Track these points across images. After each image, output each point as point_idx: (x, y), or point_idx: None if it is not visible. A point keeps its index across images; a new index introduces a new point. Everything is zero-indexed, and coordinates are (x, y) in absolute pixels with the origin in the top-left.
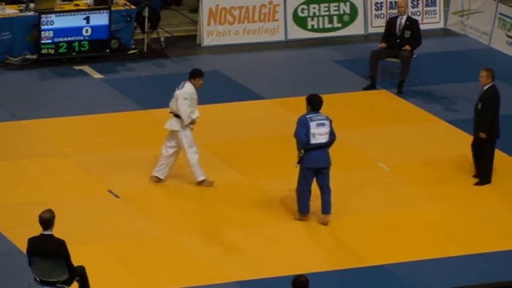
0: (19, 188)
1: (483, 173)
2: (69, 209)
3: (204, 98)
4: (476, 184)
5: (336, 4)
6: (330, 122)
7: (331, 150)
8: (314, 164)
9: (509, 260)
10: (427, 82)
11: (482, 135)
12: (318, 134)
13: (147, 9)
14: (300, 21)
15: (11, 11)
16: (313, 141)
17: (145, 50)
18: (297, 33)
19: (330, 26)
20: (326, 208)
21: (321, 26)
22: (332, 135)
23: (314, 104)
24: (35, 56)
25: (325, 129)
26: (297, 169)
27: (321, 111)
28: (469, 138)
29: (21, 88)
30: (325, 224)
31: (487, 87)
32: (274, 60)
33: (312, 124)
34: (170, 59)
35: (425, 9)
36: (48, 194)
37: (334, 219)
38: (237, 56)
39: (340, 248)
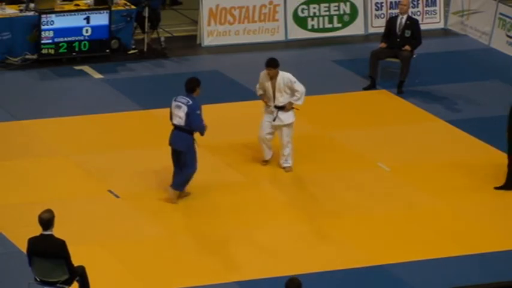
0: (19, 188)
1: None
2: (69, 209)
3: (204, 98)
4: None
5: (336, 4)
6: (188, 107)
7: (331, 149)
8: (170, 142)
9: (509, 260)
10: (427, 82)
11: None
12: (174, 115)
13: (147, 9)
14: (300, 21)
15: (11, 11)
16: (172, 120)
17: (145, 50)
18: (297, 33)
19: (330, 26)
20: (174, 183)
21: (321, 26)
22: (192, 123)
23: (185, 86)
24: (35, 56)
25: (180, 112)
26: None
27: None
28: (469, 138)
29: (21, 88)
30: (169, 195)
31: None
32: None
33: (173, 104)
34: (170, 59)
35: (425, 9)
36: (48, 194)
37: (333, 219)
38: (237, 56)
39: (340, 248)
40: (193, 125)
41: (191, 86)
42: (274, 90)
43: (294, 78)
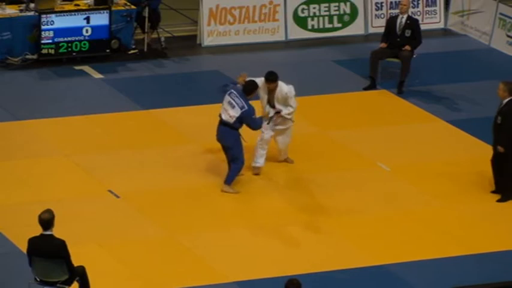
0: (19, 188)
1: (503, 188)
2: (69, 209)
3: (204, 98)
4: (498, 201)
5: (336, 4)
6: (243, 112)
7: (331, 149)
8: (217, 138)
9: (509, 260)
10: (427, 82)
11: (501, 149)
12: (224, 110)
13: (147, 9)
14: (300, 21)
15: (11, 11)
16: (221, 113)
17: (145, 50)
18: (297, 33)
19: (330, 26)
20: (227, 179)
21: (321, 26)
22: (250, 126)
23: (243, 87)
24: (35, 56)
25: (232, 112)
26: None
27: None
28: (469, 138)
29: (21, 88)
30: (222, 190)
31: (506, 100)
32: (274, 60)
33: (226, 98)
34: (170, 59)
35: (425, 9)
36: (48, 194)
37: (334, 219)
38: (237, 56)
39: (340, 248)
40: (252, 127)
41: (250, 88)
42: (272, 100)
43: (292, 93)
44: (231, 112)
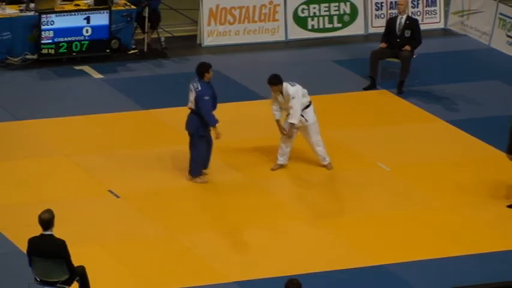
0: (19, 188)
1: None
2: (69, 209)
3: None
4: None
5: (336, 4)
6: (196, 93)
7: (332, 149)
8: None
9: (509, 260)
10: (427, 82)
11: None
12: (189, 97)
13: (147, 9)
14: (300, 21)
15: (11, 11)
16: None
17: (145, 50)
18: (297, 33)
19: (330, 26)
20: (188, 170)
21: (321, 26)
22: (200, 109)
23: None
24: (35, 56)
25: (191, 96)
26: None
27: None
28: (469, 138)
29: (21, 88)
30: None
31: None
32: (274, 60)
33: (189, 86)
34: (170, 59)
35: (425, 9)
36: (48, 194)
37: (334, 219)
38: (237, 56)
39: (340, 248)
40: (201, 111)
41: (199, 70)
42: (284, 104)
43: (294, 93)
44: (190, 97)
